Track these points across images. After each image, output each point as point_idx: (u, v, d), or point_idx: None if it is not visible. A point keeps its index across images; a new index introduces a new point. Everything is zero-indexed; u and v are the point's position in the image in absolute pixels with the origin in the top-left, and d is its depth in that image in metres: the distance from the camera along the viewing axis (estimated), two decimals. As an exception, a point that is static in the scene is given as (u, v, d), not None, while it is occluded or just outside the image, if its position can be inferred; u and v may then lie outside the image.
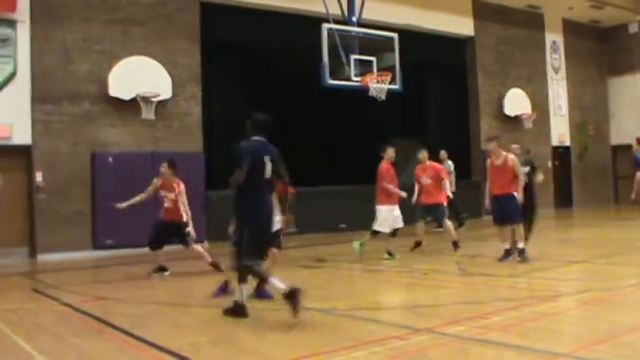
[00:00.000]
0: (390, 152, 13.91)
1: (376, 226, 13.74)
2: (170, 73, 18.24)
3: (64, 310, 9.32)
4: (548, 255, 12.79)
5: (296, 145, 20.42)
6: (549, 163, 27.19)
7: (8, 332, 7.78)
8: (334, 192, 20.61)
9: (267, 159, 7.96)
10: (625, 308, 8.15)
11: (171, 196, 12.26)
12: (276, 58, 20.33)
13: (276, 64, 20.28)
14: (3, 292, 10.97)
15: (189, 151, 18.55)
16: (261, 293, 9.13)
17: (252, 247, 7.85)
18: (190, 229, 12.28)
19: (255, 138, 8.20)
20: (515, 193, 12.17)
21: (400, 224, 13.80)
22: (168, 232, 12.32)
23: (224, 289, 9.55)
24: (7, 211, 15.84)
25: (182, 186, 12.34)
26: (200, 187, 18.49)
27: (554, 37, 28.71)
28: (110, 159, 16.84)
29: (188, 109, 18.89)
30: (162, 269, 12.45)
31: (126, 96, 17.43)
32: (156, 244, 12.38)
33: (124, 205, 12.46)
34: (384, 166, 13.78)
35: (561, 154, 28.64)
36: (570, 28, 29.32)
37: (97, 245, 16.84)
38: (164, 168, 12.42)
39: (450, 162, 19.70)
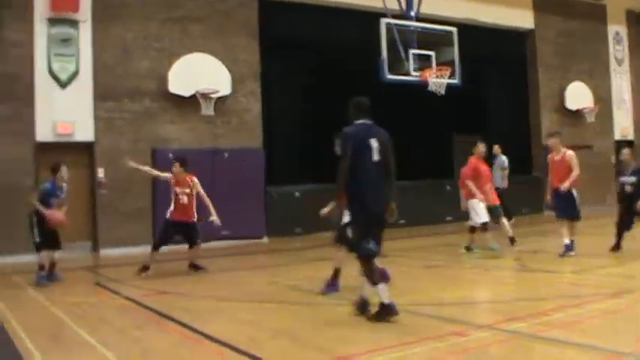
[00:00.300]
0: (481, 147, 13.62)
1: (481, 219, 13.32)
2: (229, 70, 18.37)
3: (125, 303, 9.46)
4: (611, 251, 12.51)
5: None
6: (612, 158, 26.69)
7: (73, 325, 7.93)
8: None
9: (373, 142, 7.45)
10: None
11: (187, 190, 12.35)
12: (334, 53, 20.29)
13: (334, 59, 20.25)
14: (68, 286, 11.18)
15: (249, 147, 18.66)
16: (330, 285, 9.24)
17: (362, 235, 7.33)
18: (215, 217, 12.26)
19: (360, 122, 7.65)
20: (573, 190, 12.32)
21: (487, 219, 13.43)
22: (176, 231, 12.44)
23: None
24: (71, 207, 16.13)
25: (195, 178, 12.49)
26: (260, 183, 18.62)
27: (617, 29, 28.09)
28: (170, 155, 16.94)
29: (247, 106, 18.99)
30: (146, 268, 12.36)
31: (185, 92, 17.62)
32: (161, 244, 12.51)
33: (135, 164, 13.06)
34: (472, 162, 13.50)
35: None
36: (634, 18, 28.66)
37: (157, 240, 17.00)
38: (176, 168, 12.47)
39: (503, 157, 19.34)
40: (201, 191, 12.44)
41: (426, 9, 18.63)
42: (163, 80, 17.57)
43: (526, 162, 24.65)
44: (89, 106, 16.84)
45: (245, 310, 8.78)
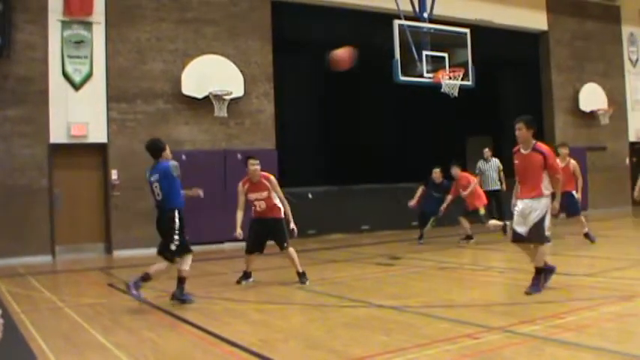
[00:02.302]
0: None
1: None
2: (242, 71, 18.39)
3: (138, 305, 9.47)
4: (625, 254, 12.46)
5: (367, 143, 20.40)
6: (627, 160, 26.57)
7: (86, 326, 7.97)
8: (403, 189, 20.49)
9: None
10: None
11: (264, 195, 10.66)
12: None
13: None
14: (81, 288, 11.21)
15: (262, 148, 18.68)
16: None
17: None
18: (292, 225, 10.85)
19: None
20: (573, 192, 14.12)
21: None
22: (263, 229, 10.77)
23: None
24: (84, 208, 16.21)
25: (272, 178, 10.85)
26: (272, 184, 18.62)
27: (631, 30, 27.87)
28: (183, 157, 16.97)
29: (260, 107, 19.01)
30: (247, 276, 11.21)
31: (199, 94, 17.65)
32: (254, 248, 10.96)
33: (239, 231, 10.62)
34: None
35: (639, 150, 27.89)
36: (648, 20, 28.49)
37: (170, 242, 16.97)
38: (254, 166, 10.67)
39: (497, 160, 18.86)
40: (281, 195, 10.81)
41: (439, 10, 18.61)
42: (177, 82, 17.61)
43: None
44: (103, 108, 16.91)
45: (258, 312, 8.80)
